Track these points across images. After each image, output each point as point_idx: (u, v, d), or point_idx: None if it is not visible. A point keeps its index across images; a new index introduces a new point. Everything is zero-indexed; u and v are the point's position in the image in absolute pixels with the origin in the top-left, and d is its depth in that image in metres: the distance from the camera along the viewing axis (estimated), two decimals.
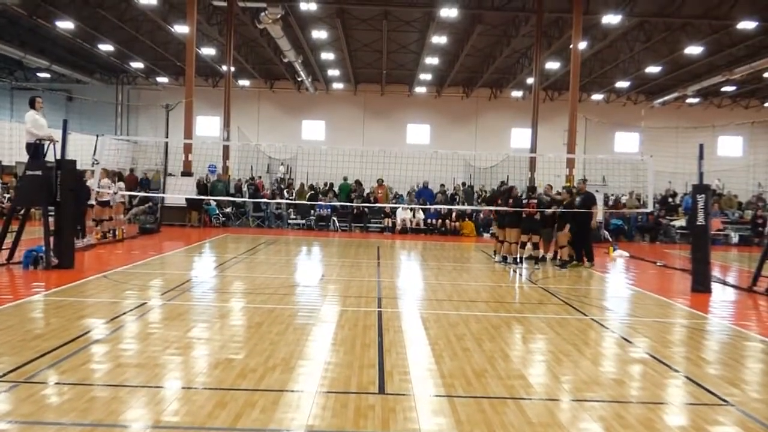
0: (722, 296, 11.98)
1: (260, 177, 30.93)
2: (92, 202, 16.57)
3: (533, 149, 28.47)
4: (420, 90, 39.50)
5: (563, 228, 15.21)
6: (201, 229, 23.38)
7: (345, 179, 27.56)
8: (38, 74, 37.46)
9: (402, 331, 8.04)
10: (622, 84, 35.87)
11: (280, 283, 11.63)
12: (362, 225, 25.94)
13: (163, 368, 6.07)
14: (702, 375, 6.50)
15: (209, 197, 25.39)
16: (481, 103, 40.12)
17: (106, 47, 32.03)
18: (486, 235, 23.91)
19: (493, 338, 7.80)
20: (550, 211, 15.29)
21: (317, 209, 25.73)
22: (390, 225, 25.29)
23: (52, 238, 11.98)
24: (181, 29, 27.41)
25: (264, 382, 5.73)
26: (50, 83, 37.84)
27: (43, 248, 11.87)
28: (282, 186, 29.24)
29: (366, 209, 25.68)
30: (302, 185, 28.66)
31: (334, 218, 25.74)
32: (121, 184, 19.44)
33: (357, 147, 32.79)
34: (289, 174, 33.01)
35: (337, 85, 40.07)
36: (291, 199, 26.32)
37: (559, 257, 15.56)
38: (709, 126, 32.78)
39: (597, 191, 22.33)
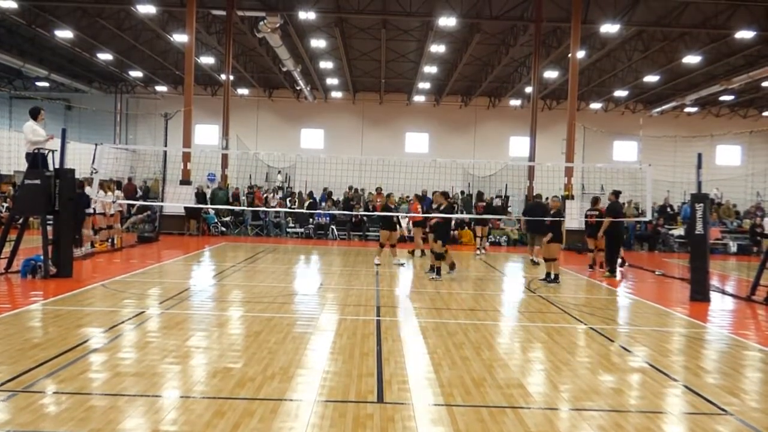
0: (721, 305, 11.98)
1: (259, 187, 30.90)
2: (90, 210, 16.55)
3: (532, 158, 28.51)
4: (419, 99, 39.59)
5: (548, 239, 14.06)
6: (199, 238, 23.37)
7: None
8: (37, 83, 37.53)
9: (401, 339, 8.04)
10: (621, 93, 35.99)
11: (279, 292, 11.62)
12: (361, 233, 25.95)
13: (161, 377, 6.06)
14: (701, 384, 6.49)
15: (208, 206, 25.42)
16: (480, 111, 40.20)
17: (105, 56, 32.11)
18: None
19: (491, 347, 7.80)
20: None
21: (316, 218, 25.74)
22: None
23: (50, 247, 11.97)
24: (180, 38, 27.50)
25: (262, 391, 5.72)
26: (49, 92, 37.89)
27: (42, 257, 11.86)
28: (283, 194, 29.23)
29: (364, 218, 25.67)
30: (300, 194, 28.68)
31: (333, 227, 25.75)
32: (120, 193, 19.44)
33: (356, 155, 32.85)
34: (288, 183, 33.02)
35: (336, 94, 40.17)
36: (291, 208, 26.33)
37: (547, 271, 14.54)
38: (707, 135, 32.87)
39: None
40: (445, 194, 15.04)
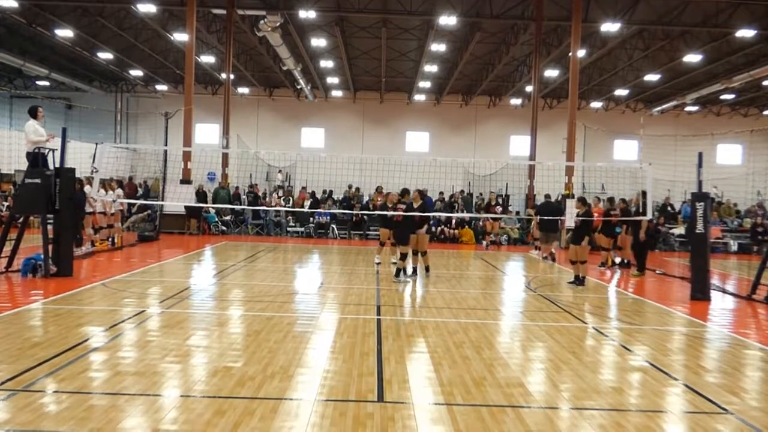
0: (721, 304, 11.98)
1: (304, 188, 30.67)
2: (89, 210, 16.56)
3: (532, 157, 28.51)
4: (419, 97, 39.55)
5: (580, 241, 13.78)
6: (200, 237, 23.38)
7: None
8: (37, 82, 37.53)
9: (401, 338, 8.03)
10: (621, 92, 35.95)
11: (279, 291, 11.61)
12: (361, 233, 25.95)
13: (161, 376, 6.06)
14: (701, 383, 6.49)
15: (210, 205, 25.44)
16: (480, 110, 40.16)
17: (105, 55, 32.09)
18: (484, 243, 23.95)
19: (492, 346, 7.80)
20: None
21: (316, 217, 25.74)
22: None
23: (50, 246, 11.98)
24: (180, 37, 27.49)
25: (263, 390, 5.72)
26: (49, 91, 37.87)
27: (42, 256, 11.86)
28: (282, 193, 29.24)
29: (365, 217, 25.65)
30: (301, 193, 28.68)
31: (333, 226, 25.76)
32: (120, 192, 19.44)
33: (356, 155, 32.84)
34: (288, 182, 33.02)
35: (336, 93, 40.13)
36: (290, 207, 26.34)
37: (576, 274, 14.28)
38: (708, 134, 32.84)
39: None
40: (404, 192, 14.32)
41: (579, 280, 13.70)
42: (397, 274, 13.42)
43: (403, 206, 13.79)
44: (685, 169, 25.89)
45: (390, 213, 14.19)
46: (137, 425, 4.83)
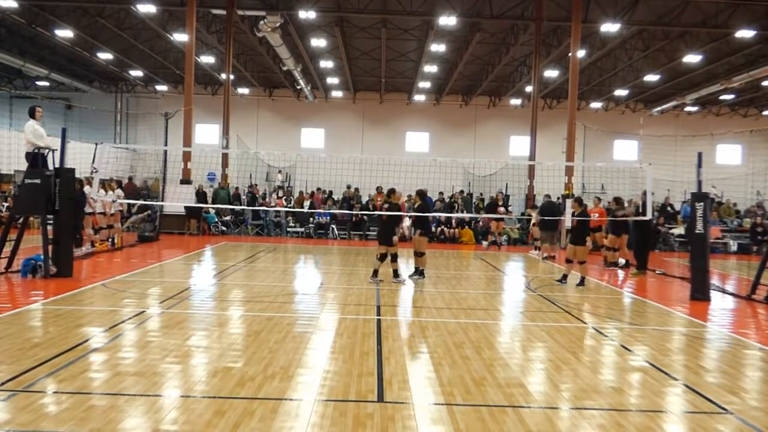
0: (721, 304, 11.98)
1: (320, 189, 30.48)
2: (89, 210, 16.57)
3: (532, 157, 28.51)
4: (419, 98, 39.55)
5: (580, 242, 13.69)
6: (200, 238, 23.37)
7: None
8: (37, 82, 37.51)
9: (401, 339, 8.03)
10: (621, 92, 35.95)
11: (279, 291, 11.61)
12: (361, 233, 25.95)
13: (161, 377, 6.06)
14: (701, 383, 6.49)
15: (210, 205, 25.43)
16: (480, 111, 40.15)
17: (105, 56, 32.08)
18: (484, 243, 23.96)
19: (492, 346, 7.80)
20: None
21: (316, 217, 25.74)
22: None
23: (50, 247, 11.97)
24: (180, 37, 27.49)
25: (263, 390, 5.72)
26: (49, 92, 37.85)
27: (42, 257, 11.86)
28: (283, 193, 29.25)
29: (365, 217, 25.65)
30: (301, 193, 28.69)
31: (333, 226, 25.76)
32: (120, 192, 19.44)
33: (356, 155, 32.83)
34: (288, 182, 33.02)
35: (336, 93, 40.13)
36: (290, 207, 26.34)
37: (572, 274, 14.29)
38: (707, 134, 32.85)
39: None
40: (390, 192, 13.90)
41: (565, 279, 13.85)
42: (396, 275, 13.33)
43: (387, 206, 13.49)
44: (684, 169, 25.92)
45: (378, 213, 14.00)
46: (137, 425, 4.83)
